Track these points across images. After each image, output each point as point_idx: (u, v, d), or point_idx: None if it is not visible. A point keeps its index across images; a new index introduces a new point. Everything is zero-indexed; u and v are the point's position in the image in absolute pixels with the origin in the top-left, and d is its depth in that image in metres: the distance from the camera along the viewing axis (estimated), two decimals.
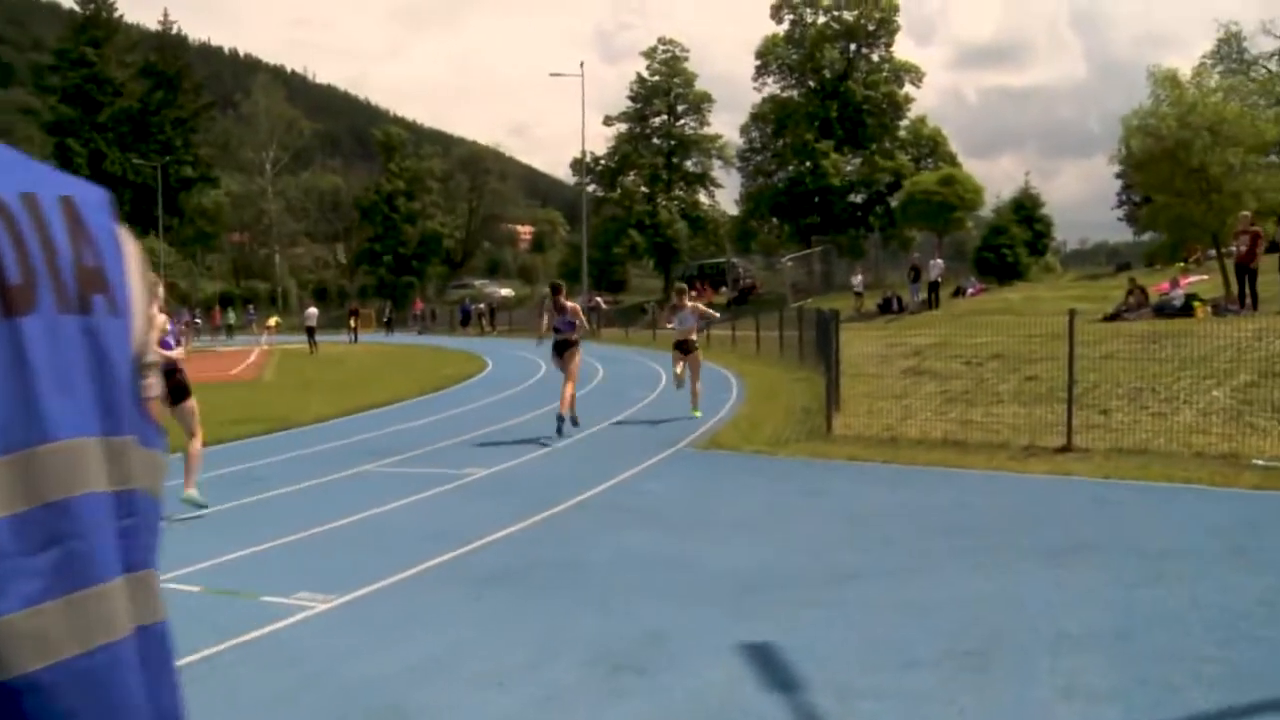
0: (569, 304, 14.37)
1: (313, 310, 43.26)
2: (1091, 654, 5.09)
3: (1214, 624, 5.45)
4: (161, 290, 8.73)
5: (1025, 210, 44.89)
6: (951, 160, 53.89)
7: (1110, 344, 15.03)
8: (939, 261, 37.49)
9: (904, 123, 57.63)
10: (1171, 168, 23.50)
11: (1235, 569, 6.64)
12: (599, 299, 53.27)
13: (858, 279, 41.68)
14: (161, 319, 8.46)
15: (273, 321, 50.89)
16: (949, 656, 5.11)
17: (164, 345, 8.84)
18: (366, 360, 34.08)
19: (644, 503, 9.30)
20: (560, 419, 13.67)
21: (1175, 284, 24.92)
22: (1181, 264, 33.33)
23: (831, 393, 13.67)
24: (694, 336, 16.19)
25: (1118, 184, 59.12)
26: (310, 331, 41.00)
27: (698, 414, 15.35)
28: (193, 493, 9.09)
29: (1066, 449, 11.15)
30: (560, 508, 9.06)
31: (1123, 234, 76.60)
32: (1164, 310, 23.21)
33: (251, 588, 6.74)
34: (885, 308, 37.38)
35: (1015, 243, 40.42)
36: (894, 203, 54.95)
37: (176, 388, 8.98)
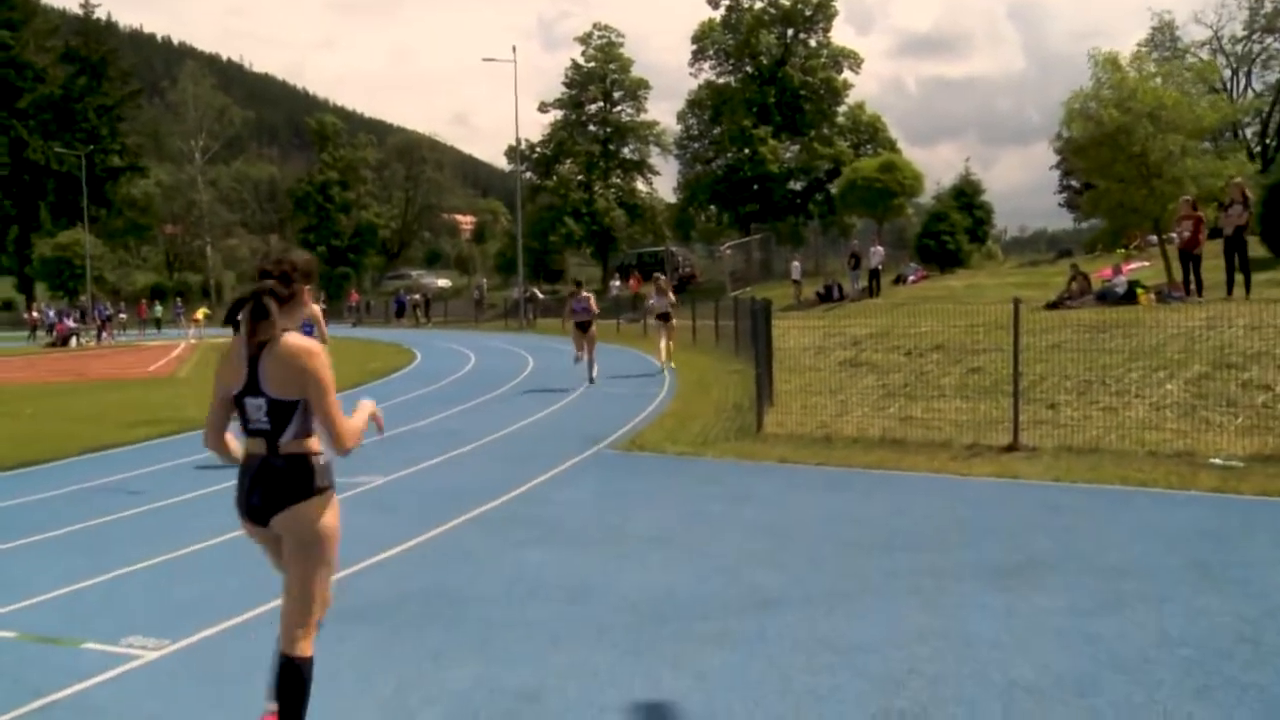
0: (587, 294, 20.69)
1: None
2: (1051, 710, 4.28)
3: (1190, 667, 4.66)
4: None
5: (966, 197, 44.46)
6: (891, 147, 53.43)
7: (1057, 333, 14.32)
8: (879, 249, 36.90)
9: (842, 109, 57.15)
10: (1112, 153, 22.98)
11: (1201, 590, 5.87)
12: (534, 289, 52.25)
13: (796, 266, 41.02)
14: None
15: (200, 314, 49.37)
16: (884, 716, 4.27)
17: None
18: None
19: (550, 514, 8.40)
20: (591, 381, 19.21)
21: (1118, 271, 24.39)
22: (1123, 250, 32.95)
23: (763, 388, 12.85)
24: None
25: (1056, 173, 59.15)
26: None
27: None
28: None
29: (1013, 448, 10.41)
30: (455, 522, 8.15)
31: (1062, 222, 76.97)
32: (1107, 297, 22.66)
33: (75, 632, 5.77)
34: (825, 296, 36.73)
35: (956, 230, 39.90)
36: (833, 190, 54.36)
37: None
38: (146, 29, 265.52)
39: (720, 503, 8.75)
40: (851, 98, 57.30)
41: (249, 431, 4.00)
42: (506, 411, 15.60)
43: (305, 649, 4.04)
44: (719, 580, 6.44)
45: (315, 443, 4.01)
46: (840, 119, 56.60)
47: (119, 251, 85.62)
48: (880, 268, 36.05)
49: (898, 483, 9.34)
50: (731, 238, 53.63)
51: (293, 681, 3.99)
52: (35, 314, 54.88)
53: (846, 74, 56.80)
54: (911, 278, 37.75)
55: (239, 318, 3.97)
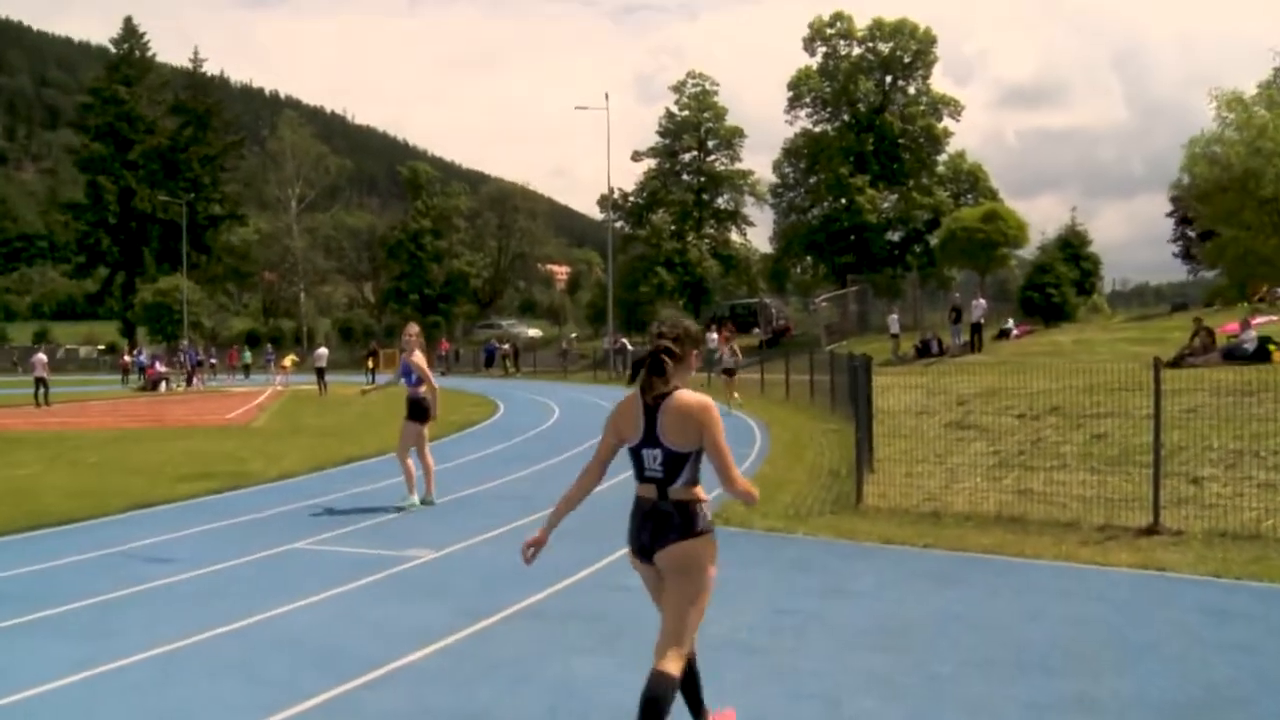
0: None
1: (322, 350, 41.54)
2: None
3: None
4: None
5: (1072, 248, 42.65)
6: (992, 196, 51.68)
7: (1191, 396, 12.85)
8: (982, 301, 35.37)
9: (942, 158, 55.56)
10: (1240, 198, 21.46)
11: None
12: (624, 340, 51.33)
13: (894, 319, 39.51)
14: None
15: (288, 361, 49.27)
16: None
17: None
18: (374, 403, 32.15)
19: (615, 607, 7.22)
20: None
21: (1245, 325, 22.64)
22: (1247, 304, 30.97)
23: (863, 454, 11.56)
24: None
25: (1169, 223, 56.78)
26: (320, 373, 39.24)
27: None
28: None
29: (1154, 531, 9.00)
30: (503, 614, 7.01)
31: (1170, 275, 74.20)
32: (1234, 355, 21.02)
33: None
34: (924, 350, 35.19)
35: (1062, 282, 38.16)
36: (933, 240, 52.81)
37: None
38: (256, 84, 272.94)
39: (815, 597, 7.50)
40: (951, 146, 55.79)
41: (643, 479, 4.46)
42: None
43: (675, 669, 4.33)
44: (814, 710, 5.21)
45: (701, 490, 4.40)
46: (940, 168, 55.05)
47: (218, 297, 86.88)
48: (983, 321, 34.54)
49: (1022, 574, 8.01)
50: (827, 289, 52.30)
51: (659, 688, 4.25)
52: (127, 358, 55.34)
53: (946, 121, 55.35)
54: (1015, 332, 36.08)
55: (639, 375, 4.40)
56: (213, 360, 58.89)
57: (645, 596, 7.47)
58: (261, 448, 18.63)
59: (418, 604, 7.36)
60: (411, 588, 7.87)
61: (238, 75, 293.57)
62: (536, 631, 6.66)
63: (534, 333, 76.78)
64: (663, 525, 4.37)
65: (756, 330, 52.88)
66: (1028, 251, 46.24)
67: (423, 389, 12.15)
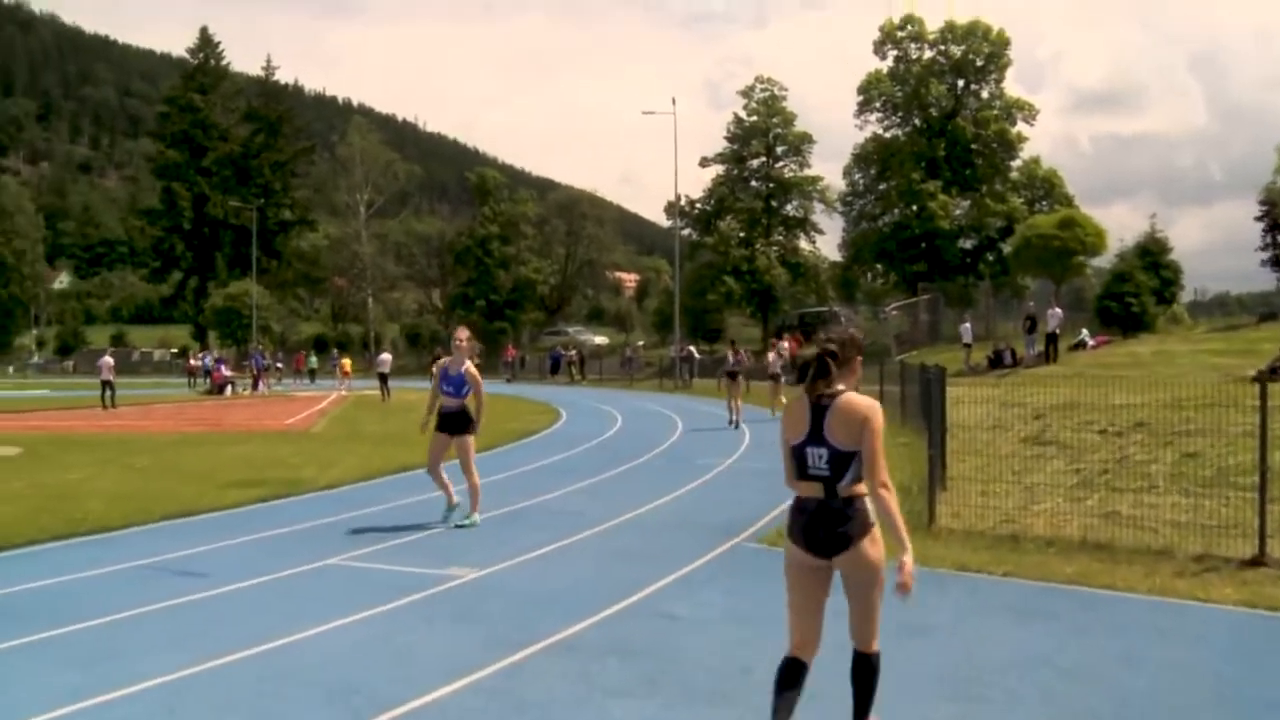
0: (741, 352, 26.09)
1: (385, 356, 41.32)
2: None
3: None
4: None
5: (1151, 256, 41.18)
6: (1068, 202, 50.31)
7: None
8: (1058, 310, 34.25)
9: (1016, 163, 54.20)
10: None
11: None
12: (691, 348, 50.74)
13: (966, 329, 38.46)
14: None
15: (347, 365, 49.36)
16: None
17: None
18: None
19: (663, 640, 6.61)
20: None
21: None
22: None
23: (935, 471, 10.84)
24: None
25: (1250, 230, 54.80)
26: (382, 378, 39.01)
27: None
28: None
29: (1259, 563, 8.21)
30: (539, 646, 6.43)
31: (1253, 284, 71.95)
32: None
33: None
34: (997, 361, 34.18)
35: (1142, 291, 36.82)
36: (1006, 248, 51.55)
37: None
38: (329, 92, 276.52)
39: (885, 634, 6.84)
40: (1025, 152, 54.42)
41: (806, 476, 4.57)
42: (641, 487, 13.92)
43: (875, 647, 4.82)
44: None
45: (863, 487, 4.51)
46: (1014, 174, 53.71)
47: (289, 302, 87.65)
48: (1059, 331, 33.40)
49: (1113, 608, 7.28)
50: (896, 298, 51.30)
51: (867, 671, 4.81)
52: (193, 361, 55.76)
53: (1020, 126, 53.97)
54: (1091, 343, 34.88)
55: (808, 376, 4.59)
56: (279, 364, 59.18)
57: (693, 629, 6.90)
58: (316, 454, 18.29)
59: (449, 631, 6.81)
60: (445, 612, 7.32)
61: (311, 84, 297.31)
62: (572, 668, 6.06)
63: (600, 340, 76.36)
64: (837, 524, 4.49)
65: None
66: (1104, 260, 44.90)
67: (469, 400, 11.40)
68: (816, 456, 4.48)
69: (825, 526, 4.49)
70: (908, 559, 4.48)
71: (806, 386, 4.57)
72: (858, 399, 4.49)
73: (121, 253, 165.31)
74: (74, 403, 37.48)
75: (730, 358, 27.33)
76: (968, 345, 37.47)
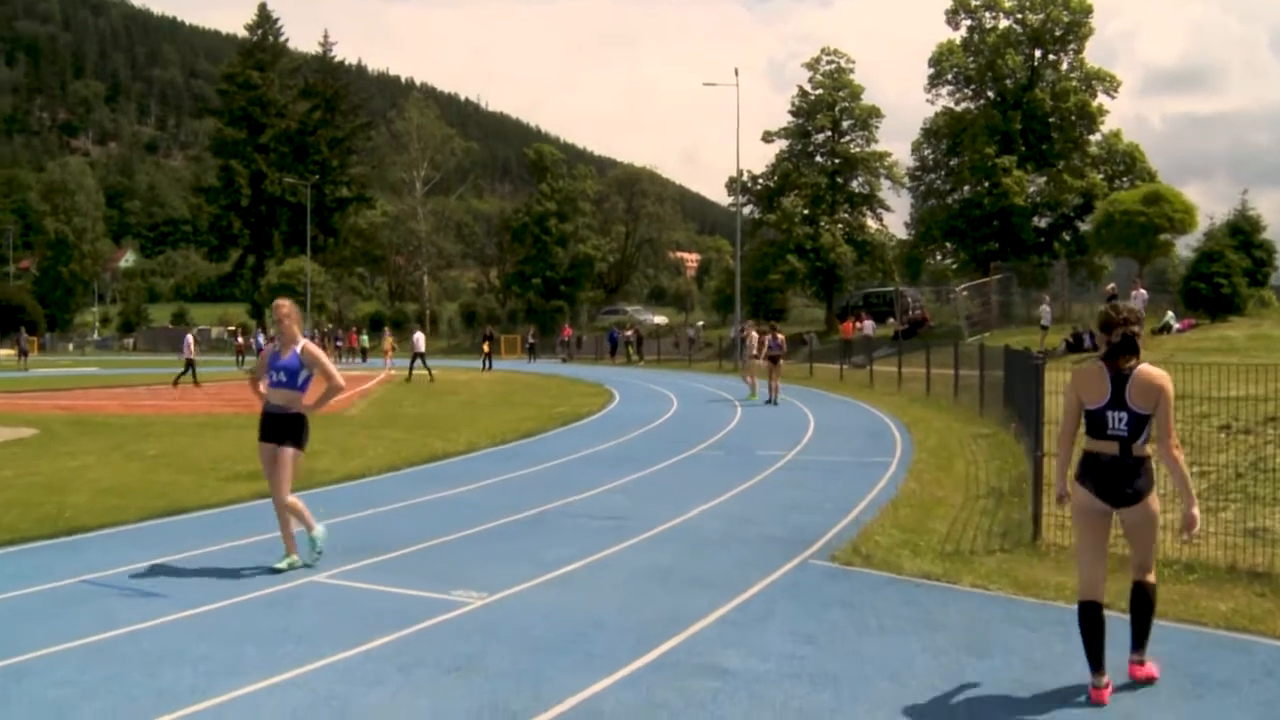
0: (780, 336, 27.11)
1: (419, 336, 39.97)
2: None
3: None
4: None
5: (1243, 234, 38.69)
6: (1150, 178, 47.60)
7: None
8: (1142, 292, 32.16)
9: (1095, 137, 51.45)
10: None
11: None
12: (748, 327, 48.92)
13: (1045, 310, 36.40)
14: None
15: (388, 344, 48.27)
16: None
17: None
18: (482, 391, 30.53)
19: (711, 706, 5.00)
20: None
21: None
22: None
23: (1040, 478, 9.09)
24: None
25: None
26: (417, 358, 37.65)
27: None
28: None
29: None
30: (548, 715, 4.86)
31: None
32: None
33: None
34: (1075, 344, 32.11)
35: (1233, 271, 34.47)
36: (1085, 225, 49.09)
37: None
38: (392, 71, 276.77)
39: (1002, 686, 5.18)
40: (1106, 125, 51.61)
41: (1104, 436, 5.18)
42: (692, 483, 12.32)
43: (1153, 579, 5.39)
44: None
45: (1149, 448, 5.13)
46: (1093, 148, 51.01)
47: (348, 280, 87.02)
48: (1143, 313, 31.24)
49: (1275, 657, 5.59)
50: (962, 278, 49.13)
51: (1146, 599, 5.33)
52: (241, 340, 54.99)
53: (1101, 98, 51.19)
54: (1178, 326, 32.67)
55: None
56: (338, 343, 58.24)
57: (747, 692, 5.27)
58: (343, 440, 16.89)
59: (433, 689, 5.25)
60: (435, 657, 5.74)
61: (374, 64, 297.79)
62: None
63: (660, 319, 74.76)
64: (1131, 478, 5.10)
65: (891, 320, 49.95)
66: (1190, 239, 42.41)
67: (305, 397, 8.22)
68: (1116, 419, 5.10)
69: (1121, 480, 5.10)
70: (1195, 511, 5.20)
71: (1108, 360, 5.18)
72: (1154, 371, 5.11)
73: (185, 231, 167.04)
74: (117, 381, 36.63)
75: (769, 341, 26.93)
76: (1045, 327, 35.51)
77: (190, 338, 36.81)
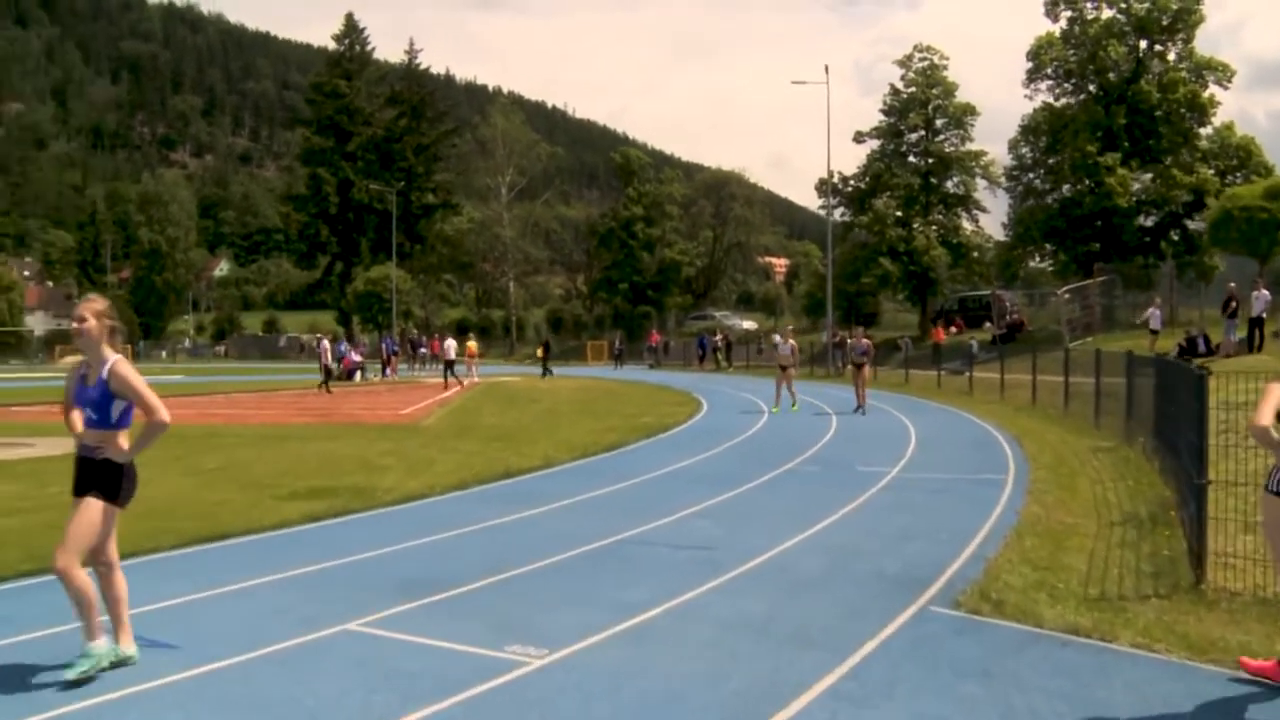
0: (865, 341, 26.12)
1: (450, 343, 39.82)
2: None
3: None
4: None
5: None
6: (1269, 172, 45.00)
7: None
8: (1264, 293, 30.08)
9: (1206, 131, 48.87)
10: None
11: None
12: (844, 334, 47.46)
13: (1155, 314, 34.40)
14: None
15: (474, 348, 47.93)
16: None
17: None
18: (565, 399, 29.55)
19: None
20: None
21: None
22: None
23: (1203, 509, 7.66)
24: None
25: None
26: (449, 365, 37.62)
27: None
28: None
29: None
30: None
31: None
32: None
33: None
34: (1189, 349, 30.13)
35: None
36: (1198, 223, 46.72)
37: None
38: (480, 80, 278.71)
39: None
40: (1218, 117, 48.97)
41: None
42: (788, 506, 11.12)
43: None
44: None
45: None
46: (1203, 142, 48.46)
47: (436, 286, 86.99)
48: (1265, 315, 29.30)
49: None
50: (1063, 280, 47.06)
51: None
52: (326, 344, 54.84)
53: (1213, 89, 48.58)
54: None
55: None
56: (424, 349, 57.79)
57: None
58: (414, 453, 15.98)
59: None
60: None
61: (462, 73, 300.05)
62: None
63: (749, 325, 73.35)
64: None
65: (988, 324, 48.07)
66: None
67: (122, 437, 5.78)
68: None
69: None
70: None
71: None
72: None
73: (277, 240, 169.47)
74: (199, 389, 36.37)
75: (855, 346, 26.34)
76: (1155, 332, 33.54)
77: (326, 343, 37.35)
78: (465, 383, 38.14)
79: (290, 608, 6.95)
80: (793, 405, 24.90)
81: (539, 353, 48.22)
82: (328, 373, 34.76)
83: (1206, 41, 50.89)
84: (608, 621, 6.53)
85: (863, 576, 7.79)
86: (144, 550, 8.77)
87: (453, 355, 38.75)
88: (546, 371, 44.90)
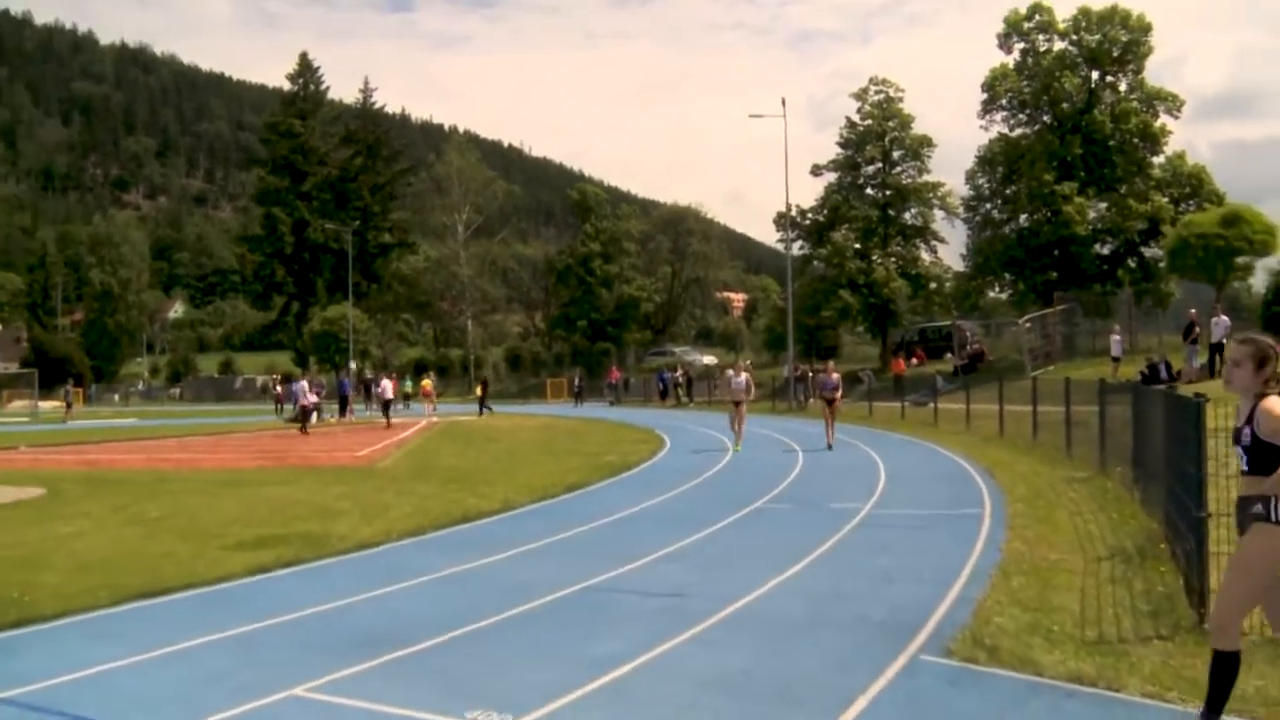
0: (835, 375, 25.10)
1: (386, 384, 40.21)
2: None
3: None
4: None
5: None
6: (1219, 200, 45.32)
7: None
8: (1224, 318, 30.11)
9: (1159, 159, 49.24)
10: None
11: None
12: (805, 368, 47.23)
13: (1116, 341, 34.40)
14: None
15: (429, 385, 47.49)
16: None
17: None
18: (525, 440, 28.98)
19: None
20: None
21: None
22: None
23: (1204, 544, 7.26)
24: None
25: None
26: (385, 405, 38.74)
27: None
28: None
29: None
30: None
31: None
32: None
33: None
34: (1152, 376, 30.03)
35: None
36: (1148, 252, 47.16)
37: None
38: (435, 119, 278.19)
39: None
40: (1169, 146, 49.34)
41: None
42: (763, 545, 10.68)
43: None
44: None
45: None
46: (1156, 170, 48.79)
47: (394, 325, 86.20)
48: (1225, 341, 29.26)
49: None
50: (1021, 310, 47.18)
51: None
52: (279, 388, 54.14)
53: (1164, 119, 49.00)
54: None
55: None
56: (379, 389, 56.99)
57: None
58: (367, 497, 15.40)
59: None
60: None
61: (417, 113, 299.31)
62: None
63: (709, 360, 73.01)
64: None
65: (949, 355, 47.98)
66: (1266, 262, 40.19)
67: None
68: None
69: None
70: None
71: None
72: None
73: (233, 281, 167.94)
74: (150, 432, 35.51)
75: (824, 380, 25.67)
76: (1116, 359, 33.56)
77: (304, 384, 37.37)
78: (424, 422, 37.48)
79: (230, 672, 6.40)
80: (735, 445, 23.59)
81: (478, 391, 49.06)
82: (305, 413, 34.75)
83: (1152, 75, 51.33)
84: (576, 681, 6.02)
85: (846, 623, 7.33)
86: (75, 609, 8.19)
87: (389, 395, 38.85)
88: (484, 409, 45.06)
